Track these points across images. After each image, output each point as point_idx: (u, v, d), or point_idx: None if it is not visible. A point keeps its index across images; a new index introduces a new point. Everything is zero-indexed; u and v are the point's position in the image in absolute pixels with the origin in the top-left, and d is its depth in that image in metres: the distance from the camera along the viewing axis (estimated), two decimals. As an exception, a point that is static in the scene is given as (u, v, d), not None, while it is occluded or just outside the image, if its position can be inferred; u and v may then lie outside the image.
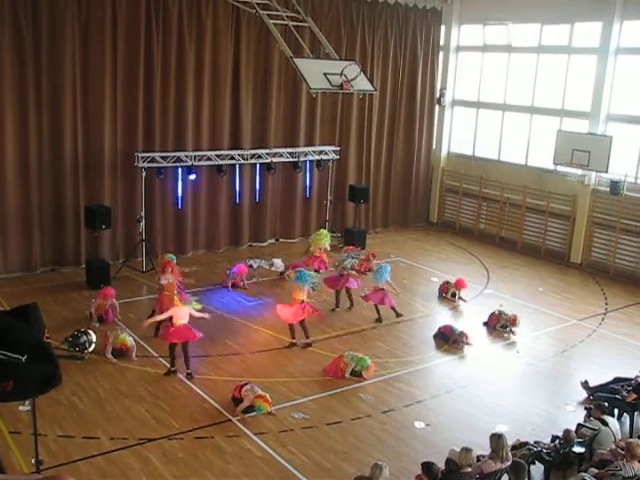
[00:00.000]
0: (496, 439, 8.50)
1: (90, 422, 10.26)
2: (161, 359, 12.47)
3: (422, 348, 13.90)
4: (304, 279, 13.27)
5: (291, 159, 19.79)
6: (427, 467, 8.09)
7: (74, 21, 16.27)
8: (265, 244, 20.41)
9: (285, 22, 16.88)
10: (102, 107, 17.02)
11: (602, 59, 19.05)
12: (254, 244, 20.37)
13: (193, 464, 9.34)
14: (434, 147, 24.16)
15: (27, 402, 8.86)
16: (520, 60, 21.52)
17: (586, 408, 10.70)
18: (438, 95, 23.75)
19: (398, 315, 15.11)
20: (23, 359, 1.07)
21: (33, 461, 7.60)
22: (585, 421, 10.15)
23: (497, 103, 22.26)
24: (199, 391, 11.39)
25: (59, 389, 10.64)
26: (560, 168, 20.13)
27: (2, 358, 1.05)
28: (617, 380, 11.77)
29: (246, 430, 10.26)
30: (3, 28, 15.35)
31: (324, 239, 16.89)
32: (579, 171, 19.57)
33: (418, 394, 11.75)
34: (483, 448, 8.81)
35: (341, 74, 14.75)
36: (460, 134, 23.87)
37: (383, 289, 14.85)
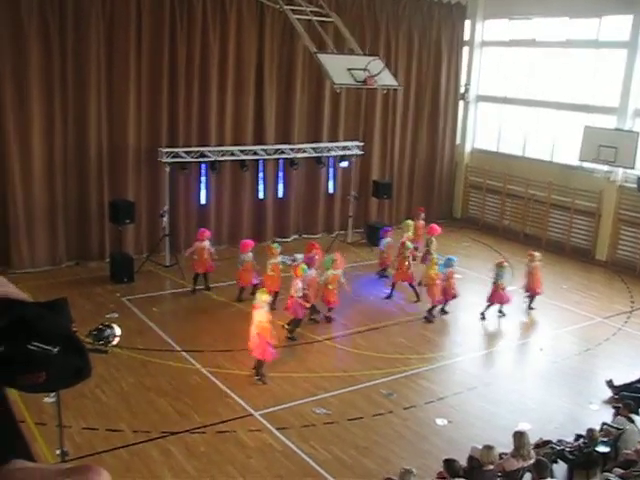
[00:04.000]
0: (519, 437, 8.47)
1: (113, 415, 10.36)
2: (184, 353, 12.56)
3: (444, 345, 13.88)
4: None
5: (314, 154, 19.81)
6: (449, 464, 8.09)
7: (99, 18, 16.40)
8: (289, 239, 20.44)
9: (309, 17, 16.86)
10: (126, 103, 17.15)
11: (632, 53, 18.82)
12: (277, 239, 20.40)
13: (215, 458, 9.41)
14: (458, 143, 24.06)
15: (52, 394, 8.97)
16: (546, 55, 21.35)
17: (614, 407, 10.61)
18: (462, 90, 23.64)
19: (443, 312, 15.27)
20: (55, 351, 1.09)
21: (58, 452, 7.70)
22: (613, 420, 10.06)
23: (522, 99, 22.10)
24: (221, 385, 11.46)
25: (84, 382, 10.75)
26: (586, 164, 19.95)
27: (35, 349, 1.07)
28: (642, 379, 11.67)
29: (268, 425, 10.31)
30: (30, 25, 15.49)
31: (410, 229, 17.47)
32: (605, 167, 19.39)
33: (440, 391, 11.73)
34: (505, 446, 8.79)
35: (365, 69, 14.71)
36: (484, 130, 23.76)
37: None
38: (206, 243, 15.50)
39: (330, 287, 14.21)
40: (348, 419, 10.62)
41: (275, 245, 15.11)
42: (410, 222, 17.90)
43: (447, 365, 12.85)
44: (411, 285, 15.96)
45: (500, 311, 15.30)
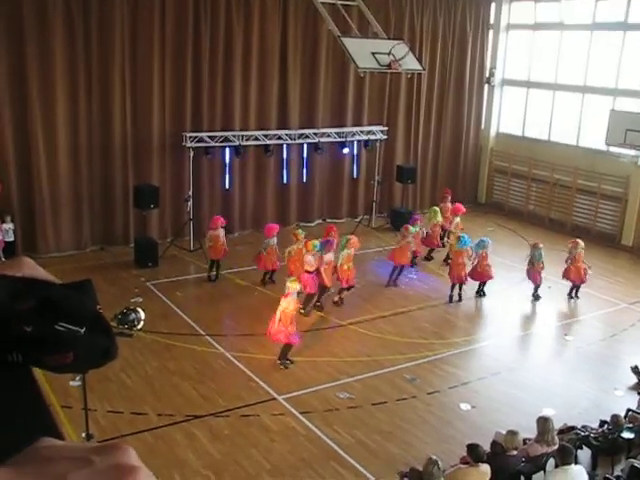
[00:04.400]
0: (543, 422, 8.42)
1: (138, 398, 10.44)
2: (208, 337, 12.61)
3: (469, 329, 13.82)
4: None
5: (339, 139, 19.73)
6: (472, 449, 8.05)
7: (123, 3, 16.41)
8: (313, 224, 20.41)
9: (333, 1, 16.75)
10: (150, 88, 17.17)
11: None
12: (302, 224, 20.39)
13: (238, 441, 9.45)
14: (483, 127, 23.84)
15: (77, 377, 9.06)
16: (572, 38, 21.04)
17: (639, 393, 10.53)
18: (487, 74, 23.39)
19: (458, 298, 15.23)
20: (82, 331, 1.09)
21: (84, 435, 7.78)
22: (638, 406, 9.98)
23: (548, 82, 21.83)
24: (245, 369, 11.50)
25: (108, 366, 10.83)
26: (613, 149, 19.68)
27: (62, 330, 1.07)
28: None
29: (292, 409, 10.34)
30: (55, 11, 15.54)
31: (437, 215, 17.51)
32: (632, 152, 19.11)
33: (464, 376, 11.69)
34: (529, 431, 8.74)
35: (389, 53, 14.60)
36: (509, 114, 23.51)
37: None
38: (220, 231, 15.36)
39: (345, 267, 14.29)
40: (372, 404, 10.62)
41: (300, 231, 15.09)
42: (436, 209, 17.81)
43: (471, 350, 12.80)
44: (403, 267, 15.96)
45: (535, 295, 15.26)
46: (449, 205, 18.58)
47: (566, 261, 15.39)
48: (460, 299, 15.03)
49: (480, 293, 15.30)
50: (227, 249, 15.62)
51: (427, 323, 13.86)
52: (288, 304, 11.37)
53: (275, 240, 15.10)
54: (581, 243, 15.34)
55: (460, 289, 15.07)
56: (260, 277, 15.32)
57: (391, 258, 15.76)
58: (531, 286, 15.34)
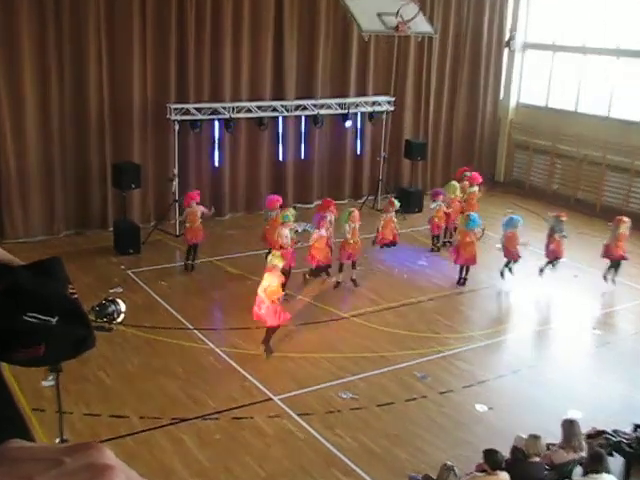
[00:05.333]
0: (568, 426, 8.40)
1: (118, 400, 10.43)
2: (196, 331, 12.60)
3: (485, 323, 13.81)
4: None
5: (340, 111, 19.66)
6: (490, 455, 8.02)
7: (99, -43, 16.32)
8: (312, 205, 20.36)
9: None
10: (130, 53, 17.06)
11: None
12: (299, 205, 20.34)
13: (230, 446, 9.45)
14: (502, 97, 23.76)
15: (50, 377, 9.03)
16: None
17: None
18: (507, 38, 23.28)
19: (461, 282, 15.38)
20: (54, 321, 1.06)
21: (57, 440, 7.76)
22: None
23: (576, 46, 21.70)
24: (238, 367, 11.49)
25: (85, 363, 10.85)
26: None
27: (32, 321, 1.04)
28: None
29: (289, 410, 10.34)
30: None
31: (456, 190, 17.51)
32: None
33: (480, 374, 11.68)
34: (553, 436, 8.72)
35: (397, 14, 14.52)
36: (532, 82, 23.41)
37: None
38: (197, 208, 15.22)
39: (352, 241, 14.59)
40: (377, 405, 10.62)
41: (290, 212, 14.98)
42: (455, 184, 17.74)
43: (488, 345, 12.79)
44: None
45: (551, 262, 15.45)
46: (467, 183, 18.43)
47: (610, 241, 15.40)
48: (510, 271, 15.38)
49: (502, 273, 15.42)
50: (204, 233, 15.56)
51: (439, 315, 13.85)
52: (271, 280, 11.43)
53: (279, 212, 14.94)
54: (627, 221, 15.31)
55: (508, 268, 15.40)
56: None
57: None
58: (561, 273, 15.35)
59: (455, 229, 17.03)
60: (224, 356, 11.84)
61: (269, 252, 15.12)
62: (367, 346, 12.43)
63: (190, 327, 12.81)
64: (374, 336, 12.77)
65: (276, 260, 11.64)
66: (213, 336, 12.49)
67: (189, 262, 15.48)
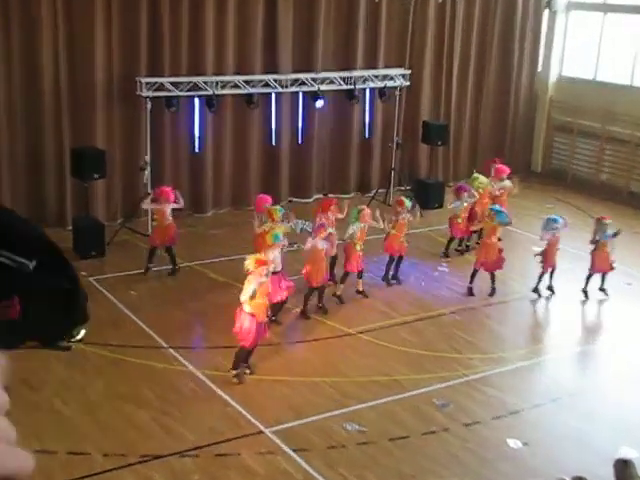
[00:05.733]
0: (621, 467, 8.37)
1: (78, 433, 10.42)
2: (171, 350, 12.61)
3: (519, 340, 13.81)
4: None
5: (345, 86, 19.69)
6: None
7: None
8: (310, 200, 20.37)
9: None
10: (91, 17, 17.05)
11: None
12: (295, 200, 20.36)
13: (212, 489, 9.47)
14: (540, 69, 23.79)
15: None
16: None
17: None
18: (547, -4, 23.38)
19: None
20: (31, 266, 1.02)
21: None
22: None
23: (633, 5, 21.68)
24: (221, 393, 11.48)
25: (37, 388, 10.88)
26: None
27: (3, 261, 0.98)
28: None
29: (283, 446, 10.33)
30: None
31: (483, 183, 17.44)
32: None
33: (513, 402, 11.68)
34: (603, 479, 8.72)
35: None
36: (577, 50, 23.42)
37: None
38: (166, 207, 15.32)
39: (358, 247, 14.51)
40: (389, 439, 10.61)
41: (278, 209, 14.93)
42: (482, 177, 17.64)
43: (522, 368, 12.78)
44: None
45: (602, 289, 15.27)
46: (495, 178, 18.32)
47: None
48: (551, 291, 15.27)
49: (537, 290, 15.34)
50: (176, 233, 15.57)
51: (463, 331, 13.85)
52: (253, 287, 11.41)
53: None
54: None
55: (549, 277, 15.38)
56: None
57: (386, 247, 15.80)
58: (611, 280, 15.33)
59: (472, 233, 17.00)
60: (205, 380, 11.84)
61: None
62: (377, 368, 12.43)
63: (164, 345, 12.81)
64: (385, 356, 12.77)
65: (251, 262, 11.52)
66: (192, 356, 12.50)
67: (150, 265, 15.52)
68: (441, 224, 18.38)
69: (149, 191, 17.07)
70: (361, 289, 14.95)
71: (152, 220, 15.49)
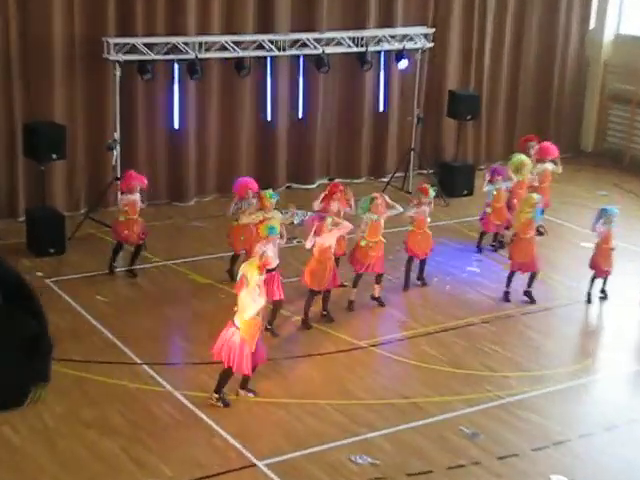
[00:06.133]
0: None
1: (32, 466, 10.40)
2: (145, 367, 12.61)
3: (565, 355, 13.83)
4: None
5: (355, 49, 19.71)
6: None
7: None
8: (313, 186, 20.37)
9: None
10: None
11: None
12: (295, 186, 20.37)
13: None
14: (592, 26, 23.76)
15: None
16: None
17: None
18: None
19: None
20: None
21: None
22: None
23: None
24: (205, 418, 11.47)
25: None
26: None
27: None
28: None
29: (279, 482, 10.38)
30: None
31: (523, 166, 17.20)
32: None
33: (557, 431, 11.67)
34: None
35: None
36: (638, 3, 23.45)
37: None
38: (136, 196, 15.37)
39: (363, 243, 14.50)
40: (407, 473, 10.61)
41: (269, 194, 14.91)
42: (523, 158, 17.44)
43: (568, 389, 12.77)
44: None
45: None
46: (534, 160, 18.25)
47: None
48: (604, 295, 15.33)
49: (589, 296, 15.39)
50: (145, 230, 15.58)
51: (496, 344, 13.83)
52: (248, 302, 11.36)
53: (254, 202, 14.90)
54: None
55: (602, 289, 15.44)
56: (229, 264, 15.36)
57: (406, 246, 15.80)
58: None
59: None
60: (186, 402, 11.81)
61: (234, 259, 15.19)
62: (393, 389, 12.43)
63: (137, 361, 12.82)
64: (403, 374, 12.79)
65: (252, 271, 11.42)
66: (171, 374, 12.49)
67: (114, 264, 15.61)
68: (471, 215, 18.39)
69: (118, 176, 17.11)
70: (377, 295, 14.97)
71: (122, 214, 15.33)
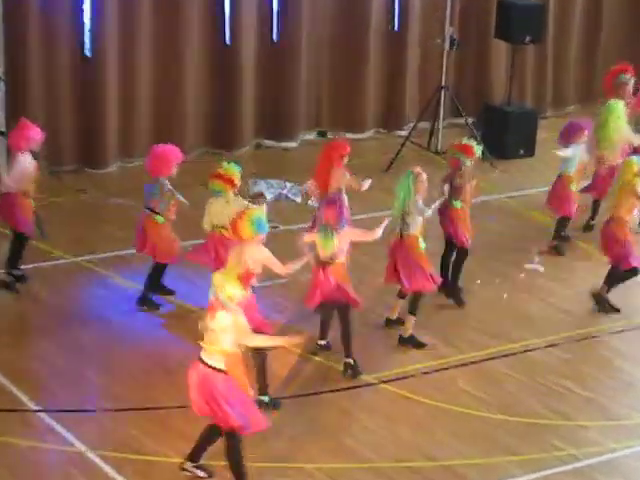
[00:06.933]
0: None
1: None
2: (44, 416, 12.59)
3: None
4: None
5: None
6: None
7: None
8: (295, 144, 20.40)
9: None
10: None
11: None
12: (268, 143, 20.38)
13: None
14: None
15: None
16: None
17: None
18: None
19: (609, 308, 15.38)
20: None
21: None
22: None
23: None
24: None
25: None
26: None
27: None
28: None
29: None
30: None
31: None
32: None
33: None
34: None
35: None
36: None
37: None
38: (31, 160, 15.17)
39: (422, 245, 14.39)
40: None
41: (232, 166, 14.89)
42: (620, 106, 17.55)
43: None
44: None
45: None
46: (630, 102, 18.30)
47: None
48: None
49: None
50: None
51: (571, 379, 13.87)
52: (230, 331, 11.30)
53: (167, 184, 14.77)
54: None
55: None
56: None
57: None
58: None
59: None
60: (106, 469, 11.81)
61: (159, 268, 14.98)
62: (414, 444, 12.39)
63: (32, 408, 12.82)
64: (428, 423, 12.78)
65: (232, 289, 11.34)
66: (83, 426, 12.46)
67: (16, 271, 15.58)
68: (530, 187, 18.42)
69: (2, 130, 17.14)
70: (395, 316, 14.97)
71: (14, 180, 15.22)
